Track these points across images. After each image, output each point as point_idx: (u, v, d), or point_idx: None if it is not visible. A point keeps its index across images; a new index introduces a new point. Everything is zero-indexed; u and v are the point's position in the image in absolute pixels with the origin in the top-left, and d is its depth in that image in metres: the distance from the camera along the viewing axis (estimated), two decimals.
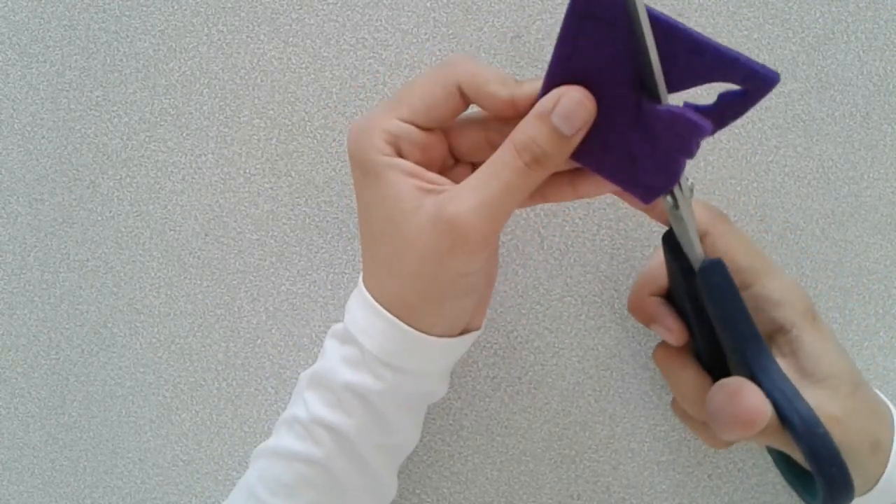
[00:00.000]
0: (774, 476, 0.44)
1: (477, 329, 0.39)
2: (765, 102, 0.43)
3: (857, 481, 0.34)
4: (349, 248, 0.45)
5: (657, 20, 0.31)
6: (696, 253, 0.35)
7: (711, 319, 0.35)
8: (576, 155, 0.34)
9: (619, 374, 0.44)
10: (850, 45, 0.43)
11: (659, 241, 0.44)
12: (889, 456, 0.35)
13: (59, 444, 0.47)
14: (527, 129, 0.33)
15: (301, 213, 0.46)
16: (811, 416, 0.33)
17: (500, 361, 0.45)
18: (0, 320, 0.48)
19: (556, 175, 0.36)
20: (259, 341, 0.46)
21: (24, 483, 0.47)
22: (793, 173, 0.44)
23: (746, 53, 0.44)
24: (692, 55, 0.32)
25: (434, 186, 0.34)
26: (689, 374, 0.38)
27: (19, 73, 0.47)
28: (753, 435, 0.33)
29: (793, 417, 0.33)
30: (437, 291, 0.35)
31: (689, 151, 0.33)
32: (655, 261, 0.40)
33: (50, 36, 0.47)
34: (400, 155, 0.35)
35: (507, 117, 0.34)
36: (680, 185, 0.34)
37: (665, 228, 0.37)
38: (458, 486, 0.45)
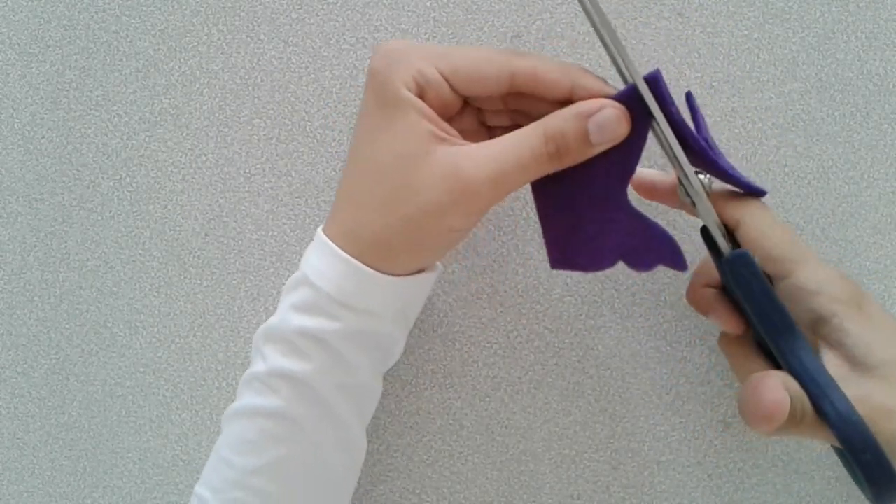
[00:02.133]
0: (774, 476, 0.44)
1: (432, 269, 0.39)
2: (765, 102, 0.44)
3: None
4: None
5: (685, 134, 0.35)
6: (723, 246, 0.35)
7: (745, 310, 0.35)
8: (535, 182, 0.36)
9: (619, 374, 0.44)
10: (850, 45, 0.43)
11: None
12: None
13: (59, 444, 0.47)
14: (561, 122, 0.34)
15: (301, 213, 0.46)
16: (845, 404, 0.32)
17: (500, 361, 0.45)
18: (0, 320, 0.48)
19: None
20: None
21: (24, 483, 0.47)
22: (793, 173, 0.44)
23: (747, 53, 0.44)
24: (705, 165, 0.36)
25: (449, 137, 0.35)
26: (749, 364, 0.38)
27: (19, 73, 0.47)
28: (780, 429, 0.32)
29: (826, 407, 0.33)
30: (425, 239, 0.36)
31: (646, 267, 0.37)
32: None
33: (50, 36, 0.47)
34: (422, 99, 0.35)
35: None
36: (691, 183, 0.35)
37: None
38: (458, 486, 0.45)
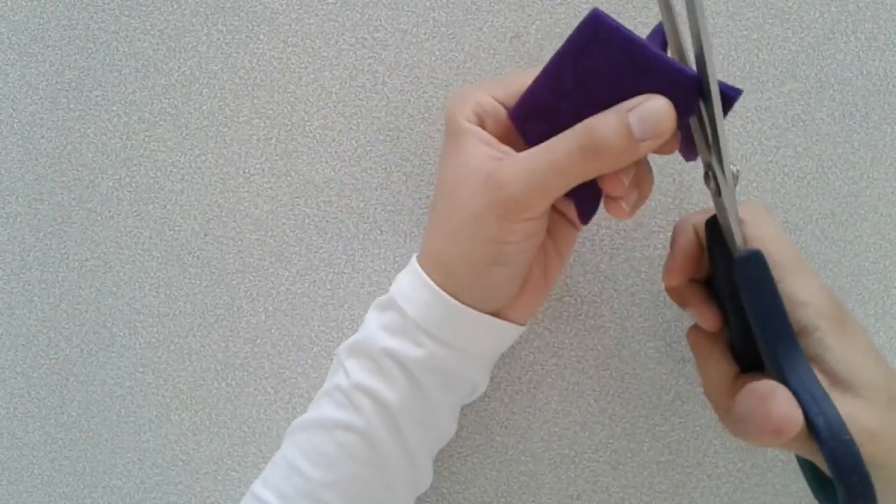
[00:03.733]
0: (774, 476, 0.44)
1: (519, 322, 0.39)
2: (765, 102, 0.44)
3: (889, 502, 0.33)
4: (349, 248, 0.45)
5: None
6: (737, 242, 0.35)
7: (746, 312, 0.35)
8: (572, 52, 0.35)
9: (618, 374, 0.44)
10: (850, 45, 0.43)
11: (656, 243, 0.44)
12: None
13: (59, 444, 0.47)
14: (599, 118, 0.33)
15: (301, 213, 0.46)
16: (837, 420, 0.32)
17: (500, 361, 0.45)
18: (0, 320, 0.48)
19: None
20: (259, 341, 0.46)
21: (24, 483, 0.47)
22: (793, 173, 0.44)
23: (747, 53, 0.44)
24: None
25: (503, 156, 0.36)
26: (716, 361, 0.37)
27: (19, 73, 0.47)
28: (785, 441, 0.32)
29: (818, 421, 0.32)
30: (473, 250, 0.35)
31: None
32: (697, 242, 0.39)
33: (50, 36, 0.47)
34: (482, 127, 0.37)
35: None
36: (723, 170, 0.34)
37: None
38: (458, 486, 0.45)
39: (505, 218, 0.34)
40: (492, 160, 0.35)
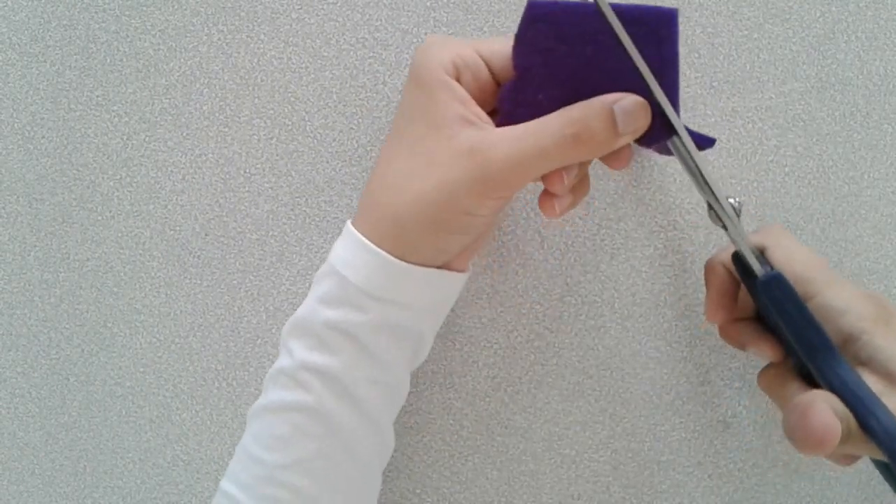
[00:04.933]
0: (774, 476, 0.44)
1: (462, 271, 0.39)
2: (765, 102, 0.44)
3: None
4: None
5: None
6: (755, 269, 0.35)
7: (783, 332, 0.35)
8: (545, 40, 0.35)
9: (619, 374, 0.44)
10: (850, 45, 0.43)
11: (657, 243, 0.44)
12: None
13: (59, 444, 0.47)
14: (585, 108, 0.34)
15: (301, 213, 0.46)
16: (890, 419, 0.32)
17: (500, 361, 0.45)
18: (0, 320, 0.48)
19: None
20: (259, 341, 0.46)
21: (24, 483, 0.47)
22: (793, 173, 0.44)
23: (747, 53, 0.44)
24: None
25: (477, 121, 0.35)
26: (792, 393, 0.37)
27: (19, 73, 0.47)
28: (832, 450, 0.32)
29: (871, 423, 0.32)
30: (440, 219, 0.35)
31: None
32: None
33: (50, 36, 0.47)
34: (458, 81, 0.35)
35: None
36: (722, 207, 0.35)
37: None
38: (458, 486, 0.45)
39: (483, 194, 0.34)
40: (466, 123, 0.34)
